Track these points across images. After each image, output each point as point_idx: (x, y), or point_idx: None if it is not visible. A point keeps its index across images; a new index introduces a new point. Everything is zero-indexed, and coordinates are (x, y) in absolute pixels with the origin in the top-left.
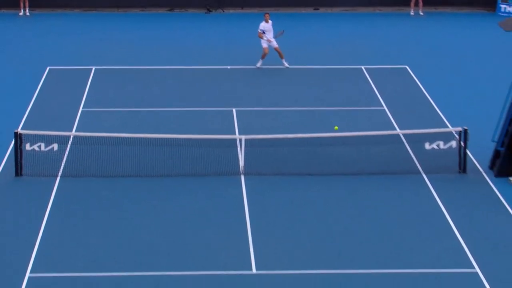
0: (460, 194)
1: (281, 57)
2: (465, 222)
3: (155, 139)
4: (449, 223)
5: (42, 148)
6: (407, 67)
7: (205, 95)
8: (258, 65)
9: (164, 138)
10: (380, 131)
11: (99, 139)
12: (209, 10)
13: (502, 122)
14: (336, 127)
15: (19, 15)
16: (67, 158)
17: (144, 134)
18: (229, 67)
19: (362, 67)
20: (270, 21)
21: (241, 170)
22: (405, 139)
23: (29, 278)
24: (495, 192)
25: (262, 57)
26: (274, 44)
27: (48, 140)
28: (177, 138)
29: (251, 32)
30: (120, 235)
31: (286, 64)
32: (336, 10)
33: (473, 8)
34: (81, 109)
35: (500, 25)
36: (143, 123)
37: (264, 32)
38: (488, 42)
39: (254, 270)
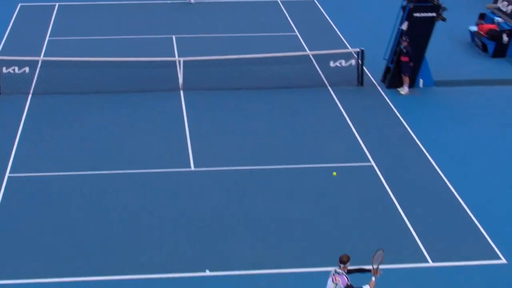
0: (358, 102)
1: None
2: (363, 124)
3: (108, 61)
4: (349, 126)
5: (16, 70)
6: (315, 0)
7: (150, 25)
8: (192, 0)
9: (117, 61)
10: (294, 52)
11: (62, 63)
12: None
13: (391, 44)
14: (334, 173)
15: None
16: (37, 78)
17: (99, 57)
18: (168, 1)
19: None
20: None
21: (180, 86)
22: (314, 59)
23: (9, 177)
24: (386, 100)
25: None
26: None
27: (21, 64)
28: (127, 61)
29: None
30: (82, 140)
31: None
32: None
33: None
34: (47, 38)
35: None
36: (99, 49)
37: None
38: None
39: (192, 168)
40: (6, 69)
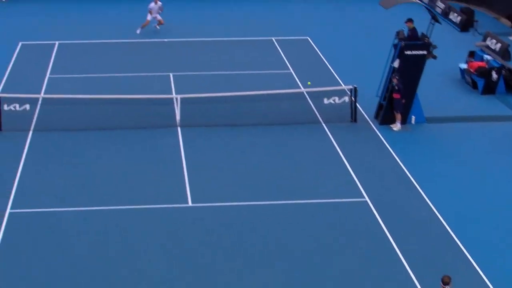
0: (352, 138)
1: (144, 25)
2: (356, 160)
3: (107, 99)
4: (343, 161)
5: (17, 108)
6: (309, 38)
7: (148, 63)
8: (138, 31)
9: (116, 98)
10: (288, 89)
11: (62, 100)
12: None
13: (383, 81)
14: (309, 83)
15: None
16: (37, 116)
17: (98, 95)
18: (166, 40)
19: (273, 38)
20: (159, 2)
21: (177, 123)
22: (308, 96)
23: (10, 213)
24: (379, 136)
25: (143, 27)
26: (158, 17)
27: (22, 101)
28: (124, 98)
29: (184, 10)
30: (82, 176)
31: (158, 27)
32: None
33: None
34: (48, 76)
35: (380, 4)
36: (98, 87)
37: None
38: (373, 17)
39: (190, 203)
40: (8, 106)
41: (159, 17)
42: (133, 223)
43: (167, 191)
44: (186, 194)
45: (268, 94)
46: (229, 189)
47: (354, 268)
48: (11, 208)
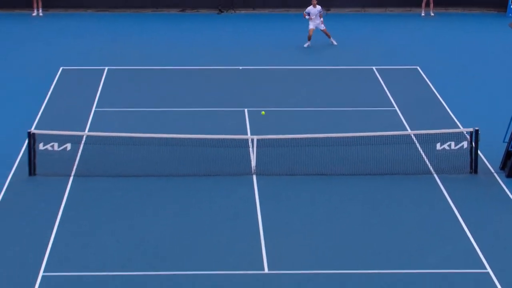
0: (471, 195)
1: (328, 36)
2: (477, 223)
3: (166, 139)
4: (460, 224)
5: (55, 148)
6: (418, 68)
7: (217, 95)
8: (306, 45)
9: (176, 138)
10: (391, 131)
11: (111, 139)
12: (220, 11)
13: None
14: (263, 112)
15: (32, 16)
16: (80, 157)
17: (156, 134)
18: (240, 67)
19: (373, 67)
20: (318, 6)
21: (252, 170)
22: (416, 140)
23: (43, 276)
24: (507, 193)
25: (309, 38)
26: (322, 26)
27: (61, 140)
28: (188, 138)
29: (263, 32)
30: (132, 235)
31: (334, 42)
32: (346, 10)
33: (484, 9)
34: (94, 109)
35: (510, 26)
36: (155, 123)
37: (309, 14)
38: (499, 43)
39: (266, 270)
40: (44, 145)
41: (322, 26)
42: None
43: (238, 255)
44: (262, 259)
45: (365, 137)
46: (314, 253)
47: None
48: (45, 271)
